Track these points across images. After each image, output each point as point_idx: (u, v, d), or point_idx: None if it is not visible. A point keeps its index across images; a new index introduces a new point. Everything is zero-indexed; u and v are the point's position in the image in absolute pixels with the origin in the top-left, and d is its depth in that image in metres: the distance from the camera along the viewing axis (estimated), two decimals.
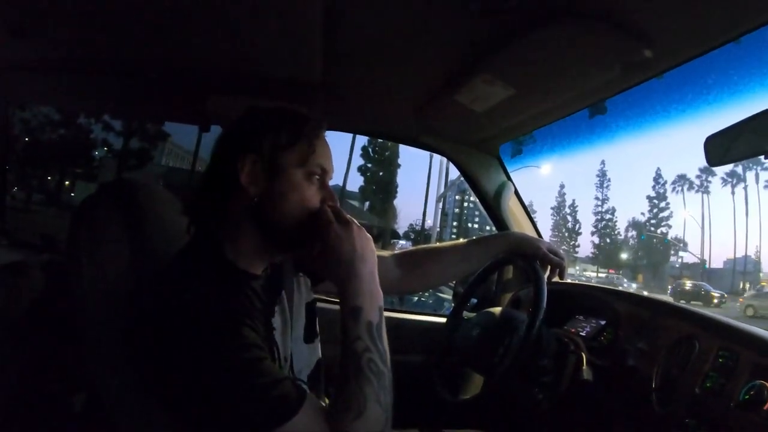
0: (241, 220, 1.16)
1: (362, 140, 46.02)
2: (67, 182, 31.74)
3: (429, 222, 42.05)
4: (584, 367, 1.67)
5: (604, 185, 70.69)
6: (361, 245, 1.12)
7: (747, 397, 1.24)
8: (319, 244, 1.15)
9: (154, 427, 1.13)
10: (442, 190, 27.90)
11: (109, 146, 31.21)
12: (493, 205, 2.60)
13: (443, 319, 2.64)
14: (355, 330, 1.07)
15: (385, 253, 1.79)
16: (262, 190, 1.14)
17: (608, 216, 70.44)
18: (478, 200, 2.71)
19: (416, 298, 8.13)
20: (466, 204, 75.44)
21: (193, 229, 1.22)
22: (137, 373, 1.07)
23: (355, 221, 1.17)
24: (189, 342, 0.96)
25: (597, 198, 71.24)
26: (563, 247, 65.85)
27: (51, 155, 28.65)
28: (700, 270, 60.84)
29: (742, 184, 63.59)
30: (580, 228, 74.90)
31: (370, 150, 45.07)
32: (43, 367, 1.81)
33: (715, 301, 35.97)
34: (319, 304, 1.49)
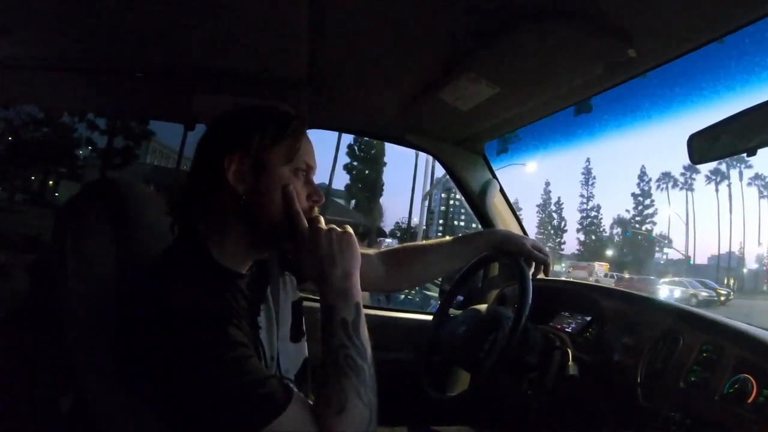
0: (227, 218, 1.16)
1: (348, 138, 46.09)
2: (51, 182, 31.51)
3: (415, 220, 42.15)
4: (570, 362, 1.68)
5: (590, 183, 71.24)
6: (329, 249, 1.12)
7: (731, 390, 1.26)
8: (293, 246, 1.17)
9: (141, 428, 1.12)
10: (427, 188, 27.99)
11: (93, 145, 31.00)
12: (478, 203, 2.61)
13: (430, 317, 2.64)
14: (330, 327, 1.08)
15: (371, 251, 1.79)
16: (249, 187, 1.14)
17: (593, 213, 71.04)
18: (463, 198, 2.72)
19: (402, 296, 8.15)
20: (451, 202, 75.57)
21: (178, 228, 1.21)
22: (123, 373, 1.06)
23: (333, 225, 1.18)
24: (174, 342, 0.96)
25: (582, 195, 71.80)
26: (549, 244, 66.38)
27: (35, 154, 28.37)
28: (685, 266, 61.28)
29: (725, 182, 64.30)
30: (565, 225, 75.42)
31: (356, 148, 45.13)
32: (29, 369, 1.80)
33: (722, 298, 35.12)
34: (306, 303, 1.49)
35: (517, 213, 2.74)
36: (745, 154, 1.41)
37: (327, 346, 1.07)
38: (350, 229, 1.18)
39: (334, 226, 1.17)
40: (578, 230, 71.55)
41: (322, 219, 1.18)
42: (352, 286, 1.13)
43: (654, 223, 67.36)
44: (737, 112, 1.38)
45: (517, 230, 2.57)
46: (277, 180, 1.15)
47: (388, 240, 43.88)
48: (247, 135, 1.15)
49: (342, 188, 48.14)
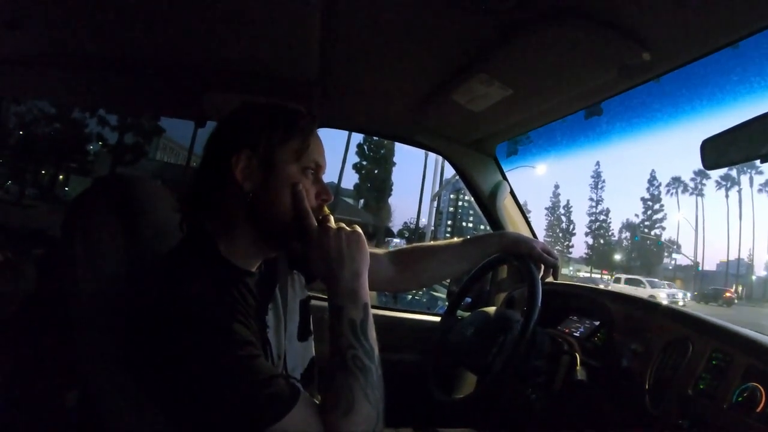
0: (235, 216, 1.16)
1: (358, 138, 46.20)
2: (61, 177, 31.68)
3: (423, 220, 42.05)
4: (578, 367, 1.67)
5: (599, 186, 70.97)
6: (338, 249, 1.12)
7: (740, 399, 1.25)
8: (301, 245, 1.17)
9: (147, 425, 1.12)
10: (436, 188, 27.95)
11: (103, 141, 31.21)
12: (488, 205, 2.61)
13: (437, 318, 2.64)
14: (338, 327, 1.08)
15: (380, 251, 1.79)
16: (256, 185, 1.14)
17: (602, 217, 70.78)
18: (473, 199, 2.71)
19: (410, 297, 8.13)
20: (460, 203, 75.74)
21: (187, 225, 1.21)
22: (130, 370, 1.07)
23: (343, 224, 1.17)
24: (182, 339, 0.96)
25: (591, 199, 71.59)
26: (557, 247, 66.16)
27: (45, 149, 28.54)
28: (693, 272, 61.09)
29: (736, 188, 64.06)
30: (574, 229, 75.16)
31: (365, 148, 45.26)
32: (35, 364, 1.80)
33: (728, 295, 39.46)
34: (313, 302, 1.49)
35: (527, 215, 2.73)
36: (758, 161, 1.39)
37: (335, 346, 1.07)
38: (359, 229, 1.18)
39: (344, 226, 1.16)
40: (587, 234, 71.38)
41: (331, 218, 1.18)
42: (360, 287, 1.13)
43: (663, 228, 67.23)
44: (751, 118, 1.37)
45: (526, 233, 2.57)
46: (285, 178, 1.15)
47: (396, 240, 43.96)
48: (255, 133, 1.16)
49: (351, 188, 48.31)
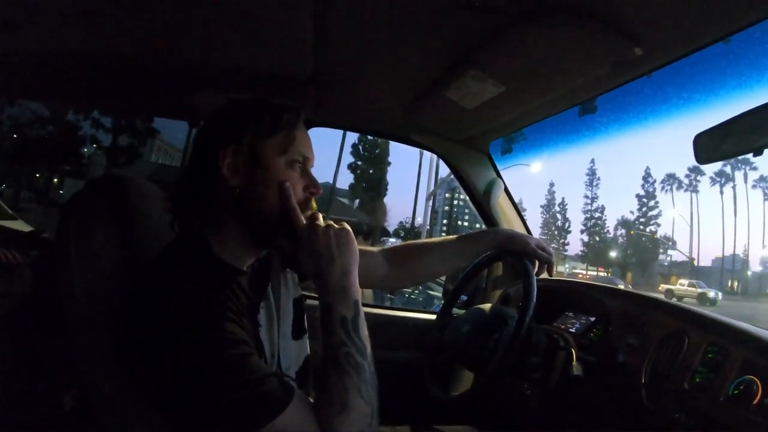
0: (224, 214, 1.16)
1: (352, 138, 46.28)
2: (56, 180, 31.59)
3: (419, 219, 42.22)
4: (574, 363, 1.67)
5: (594, 184, 71.20)
6: (327, 246, 1.12)
7: (736, 392, 1.25)
8: (290, 243, 1.17)
9: (143, 425, 1.12)
10: (432, 187, 27.89)
11: (98, 143, 31.06)
12: (482, 202, 2.61)
13: (433, 316, 2.64)
14: (329, 325, 1.08)
15: (375, 248, 1.78)
16: (244, 180, 1.14)
17: (597, 214, 70.94)
18: (468, 197, 2.71)
19: (406, 295, 8.13)
20: (456, 202, 75.83)
21: (178, 224, 1.22)
22: (126, 370, 1.07)
23: (331, 222, 1.17)
24: (175, 339, 0.96)
25: (586, 196, 71.80)
26: (553, 245, 66.24)
27: (39, 152, 28.42)
28: (689, 268, 61.21)
29: (730, 184, 64.38)
30: (569, 226, 75.47)
31: (360, 147, 45.28)
32: (33, 365, 1.80)
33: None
34: (308, 301, 1.49)
35: (522, 213, 2.73)
36: (751, 155, 1.40)
37: (327, 344, 1.07)
38: (348, 227, 1.17)
39: (332, 223, 1.16)
40: (582, 231, 71.50)
41: (320, 216, 1.18)
42: (350, 284, 1.13)
43: (658, 225, 67.47)
44: (744, 112, 1.37)
45: (521, 230, 2.57)
46: (271, 172, 1.15)
47: (392, 239, 43.84)
48: (240, 127, 1.16)
49: (346, 187, 48.32)
